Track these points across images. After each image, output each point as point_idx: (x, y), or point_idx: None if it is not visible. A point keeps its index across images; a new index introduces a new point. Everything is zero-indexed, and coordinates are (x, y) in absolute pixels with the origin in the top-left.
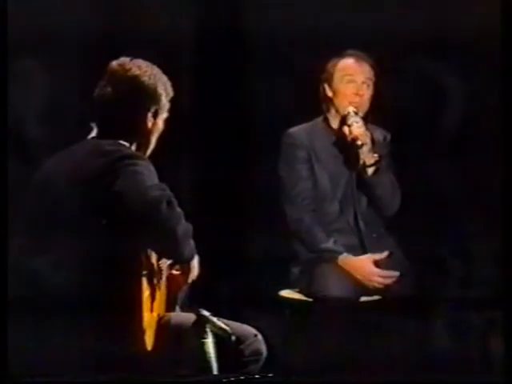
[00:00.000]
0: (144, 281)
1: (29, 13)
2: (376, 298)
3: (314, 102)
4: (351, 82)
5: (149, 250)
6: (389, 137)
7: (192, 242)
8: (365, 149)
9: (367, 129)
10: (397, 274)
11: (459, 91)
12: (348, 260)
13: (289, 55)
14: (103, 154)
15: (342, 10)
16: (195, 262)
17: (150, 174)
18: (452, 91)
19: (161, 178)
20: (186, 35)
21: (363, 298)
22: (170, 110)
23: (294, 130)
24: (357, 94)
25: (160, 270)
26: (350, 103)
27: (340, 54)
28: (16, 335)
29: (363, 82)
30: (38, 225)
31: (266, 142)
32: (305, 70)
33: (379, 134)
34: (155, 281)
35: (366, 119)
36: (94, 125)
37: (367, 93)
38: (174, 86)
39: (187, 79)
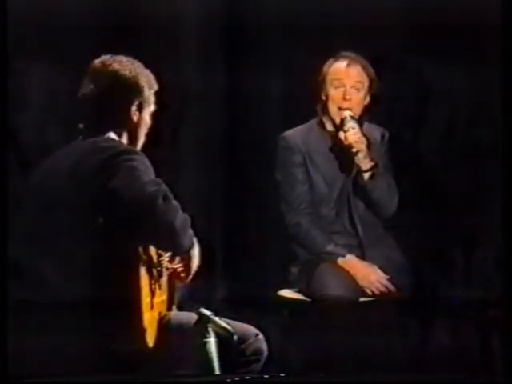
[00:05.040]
0: (144, 279)
1: (28, 11)
2: (375, 297)
3: (310, 102)
4: (340, 86)
5: (149, 247)
6: (387, 135)
7: (190, 232)
8: (360, 155)
9: (363, 134)
10: (394, 289)
11: (458, 90)
12: (352, 262)
13: (286, 55)
14: (99, 151)
15: (339, 7)
16: (195, 251)
17: (146, 170)
18: (450, 90)
19: (159, 175)
20: (184, 30)
21: (363, 298)
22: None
23: (288, 133)
24: (344, 99)
25: (160, 267)
26: (339, 108)
27: (334, 55)
28: (16, 335)
29: (352, 87)
30: (37, 224)
31: (264, 142)
32: (301, 70)
33: (377, 133)
34: (155, 278)
35: (361, 121)
36: (81, 125)
37: (357, 97)
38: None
39: (186, 73)
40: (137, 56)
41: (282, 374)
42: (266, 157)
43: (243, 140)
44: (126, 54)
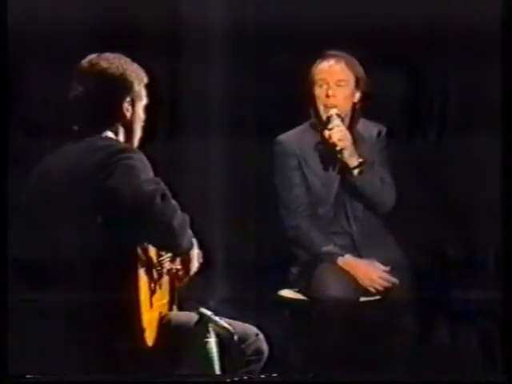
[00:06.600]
0: (143, 278)
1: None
2: (376, 297)
3: (305, 105)
4: (323, 84)
5: (148, 247)
6: (384, 131)
7: (189, 233)
8: (345, 153)
9: (355, 131)
10: (397, 281)
11: (459, 88)
12: (351, 262)
13: (283, 56)
14: (96, 150)
15: (339, 6)
16: (195, 253)
17: (144, 168)
18: (450, 89)
19: (159, 175)
20: (184, 31)
21: (363, 298)
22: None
23: (283, 137)
24: (327, 96)
25: (161, 266)
26: (325, 105)
27: (322, 55)
28: (16, 335)
29: (335, 84)
30: (37, 224)
31: (264, 142)
32: (297, 72)
33: (374, 129)
34: (155, 278)
35: (355, 118)
36: (76, 127)
37: (341, 93)
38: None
39: (187, 73)
40: (137, 56)
41: (281, 374)
42: (265, 157)
43: (243, 140)
44: (127, 54)
